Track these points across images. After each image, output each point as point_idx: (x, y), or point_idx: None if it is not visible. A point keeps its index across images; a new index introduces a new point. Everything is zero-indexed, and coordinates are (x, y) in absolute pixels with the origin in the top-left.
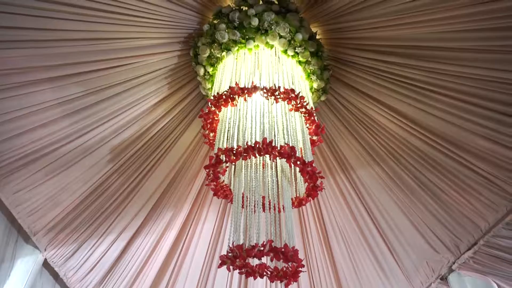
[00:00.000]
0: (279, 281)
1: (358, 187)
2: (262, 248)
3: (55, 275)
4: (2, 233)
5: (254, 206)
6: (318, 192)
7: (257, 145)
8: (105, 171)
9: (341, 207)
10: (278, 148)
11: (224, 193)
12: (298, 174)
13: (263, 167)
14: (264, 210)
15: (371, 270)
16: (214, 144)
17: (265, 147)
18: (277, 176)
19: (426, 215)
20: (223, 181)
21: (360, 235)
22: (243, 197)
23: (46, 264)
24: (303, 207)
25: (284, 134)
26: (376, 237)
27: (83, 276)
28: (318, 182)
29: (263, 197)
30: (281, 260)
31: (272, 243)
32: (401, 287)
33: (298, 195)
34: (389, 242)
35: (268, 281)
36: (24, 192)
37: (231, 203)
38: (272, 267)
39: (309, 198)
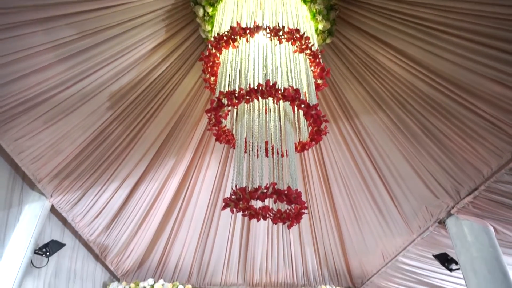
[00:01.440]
0: (281, 223)
1: (361, 133)
2: (265, 190)
3: (64, 220)
4: (7, 180)
5: (257, 151)
6: (322, 137)
7: (260, 88)
8: (105, 119)
9: (343, 154)
10: (282, 91)
11: (226, 138)
12: (302, 118)
13: (265, 112)
14: (267, 155)
15: (370, 214)
16: (215, 89)
17: (268, 90)
18: (280, 120)
19: (428, 161)
20: (225, 125)
21: (361, 181)
22: (245, 142)
23: (53, 210)
24: (305, 154)
25: (288, 77)
26: (377, 183)
27: (90, 221)
28: (322, 126)
29: (266, 142)
30: (284, 202)
31: (276, 186)
32: (399, 231)
33: (301, 140)
34: (390, 187)
35: (270, 224)
36: (25, 140)
37: (234, 148)
38: (275, 210)
39: (313, 142)
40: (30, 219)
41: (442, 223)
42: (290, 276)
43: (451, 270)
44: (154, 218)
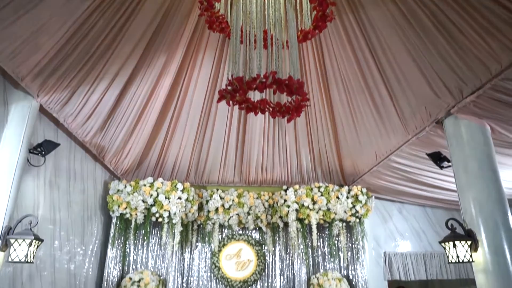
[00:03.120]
0: (279, 119)
1: (366, 28)
2: (264, 80)
3: (56, 121)
4: None
5: (255, 41)
6: (327, 24)
7: None
8: (84, 9)
9: (344, 50)
10: None
11: (219, 25)
12: (304, 3)
13: None
14: (265, 47)
15: (368, 115)
16: None
17: None
18: (280, 5)
19: (435, 58)
20: (219, 10)
21: (361, 79)
22: (241, 31)
23: (44, 111)
24: (304, 50)
25: None
26: (378, 82)
27: (83, 122)
28: (328, 11)
29: (265, 31)
30: (285, 94)
31: (276, 75)
32: (395, 132)
33: (303, 27)
34: (391, 87)
35: (267, 124)
36: None
37: (228, 38)
38: (273, 103)
39: (316, 31)
40: (19, 119)
41: (439, 123)
42: (284, 174)
43: (442, 167)
44: (149, 118)
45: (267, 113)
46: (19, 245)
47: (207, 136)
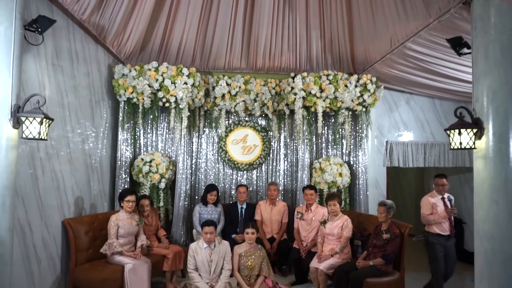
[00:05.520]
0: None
1: None
2: None
3: None
4: None
5: None
6: None
7: None
8: None
9: None
10: None
11: None
12: None
13: None
14: None
15: None
16: None
17: None
18: None
19: None
20: None
21: None
22: None
23: None
24: None
25: None
26: None
27: None
28: None
29: None
30: None
31: None
32: (415, 14)
33: None
34: None
35: (276, 5)
36: None
37: None
38: None
39: None
40: None
41: (466, 3)
42: (293, 61)
43: (460, 54)
44: None
45: None
46: (31, 123)
47: (212, 17)
